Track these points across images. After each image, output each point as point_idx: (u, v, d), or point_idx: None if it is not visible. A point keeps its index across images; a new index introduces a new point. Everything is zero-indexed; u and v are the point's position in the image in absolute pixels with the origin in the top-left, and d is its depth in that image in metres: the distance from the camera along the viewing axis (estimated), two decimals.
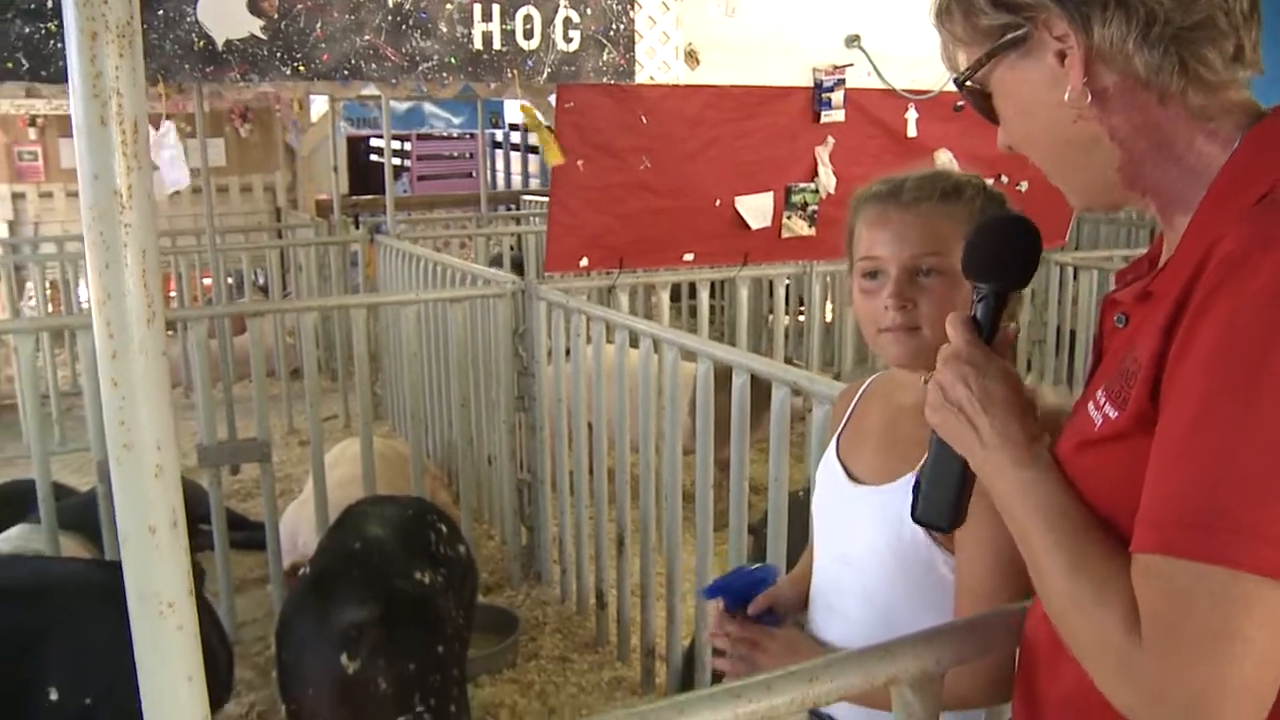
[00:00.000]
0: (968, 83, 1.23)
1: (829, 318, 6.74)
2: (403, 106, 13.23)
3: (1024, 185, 4.81)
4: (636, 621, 4.12)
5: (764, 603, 1.82)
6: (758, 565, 1.93)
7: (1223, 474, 0.95)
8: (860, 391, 1.86)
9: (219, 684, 3.06)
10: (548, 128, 4.23)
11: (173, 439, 0.91)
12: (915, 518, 1.34)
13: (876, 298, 1.63)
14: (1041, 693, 1.29)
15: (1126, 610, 1.03)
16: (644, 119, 4.33)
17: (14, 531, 4.20)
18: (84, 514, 4.27)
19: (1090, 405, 1.15)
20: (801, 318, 6.90)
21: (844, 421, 1.84)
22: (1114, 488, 1.08)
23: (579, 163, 4.31)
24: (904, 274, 1.60)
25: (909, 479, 1.57)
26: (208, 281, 7.87)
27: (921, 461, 1.33)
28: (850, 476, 1.74)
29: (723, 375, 3.36)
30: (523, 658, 4.28)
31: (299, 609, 3.06)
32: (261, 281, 10.04)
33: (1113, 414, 1.09)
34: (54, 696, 2.73)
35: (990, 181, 1.71)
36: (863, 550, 1.67)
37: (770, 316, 7.27)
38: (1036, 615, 1.31)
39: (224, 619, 4.43)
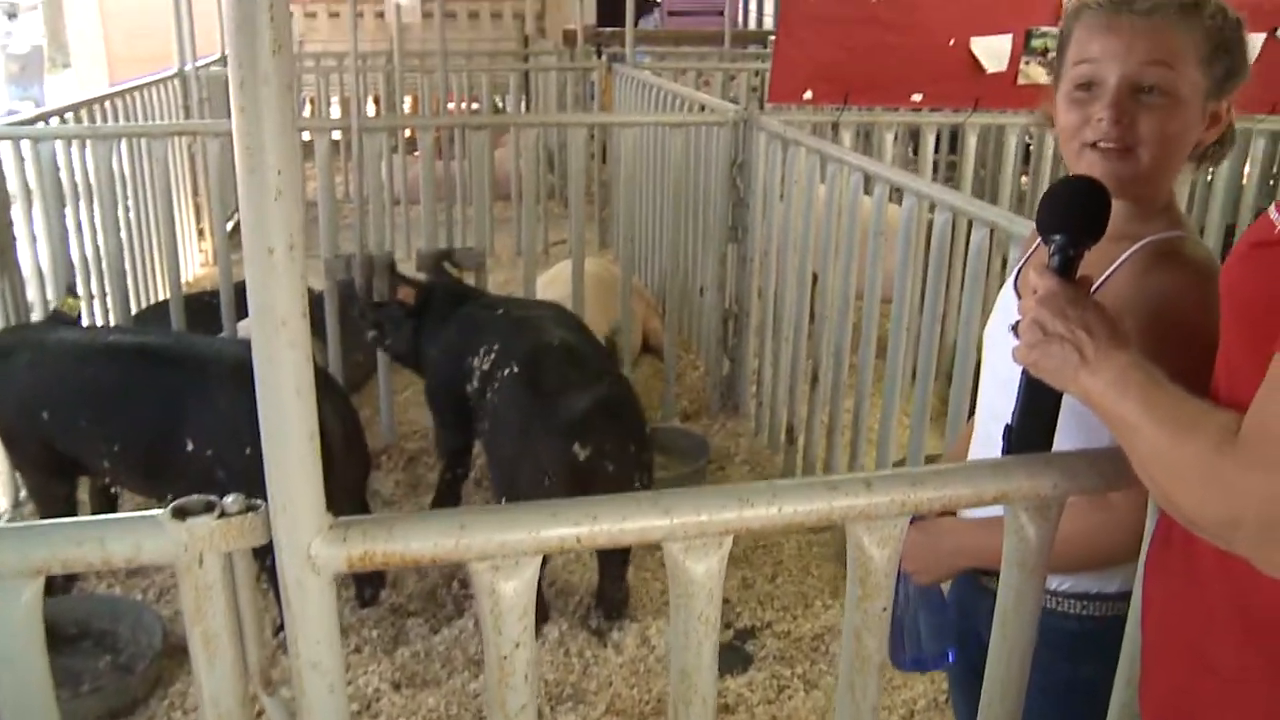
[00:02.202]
0: None
1: None
2: None
3: None
4: (822, 460, 4.15)
5: None
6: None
7: None
8: None
9: (350, 460, 3.36)
10: None
11: (295, 166, 0.97)
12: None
13: (1087, 109, 1.53)
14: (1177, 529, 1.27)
15: (1219, 433, 1.07)
16: None
17: (249, 320, 4.53)
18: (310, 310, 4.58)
19: (1273, 209, 1.14)
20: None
21: (1030, 251, 1.80)
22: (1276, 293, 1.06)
23: None
24: (1126, 85, 1.49)
25: None
26: (451, 106, 8.10)
27: (1013, 415, 1.42)
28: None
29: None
30: (710, 484, 4.37)
31: (515, 404, 3.21)
32: (504, 108, 10.24)
33: None
34: (189, 447, 3.09)
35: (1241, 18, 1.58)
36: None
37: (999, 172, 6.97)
38: None
39: None
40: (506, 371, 3.30)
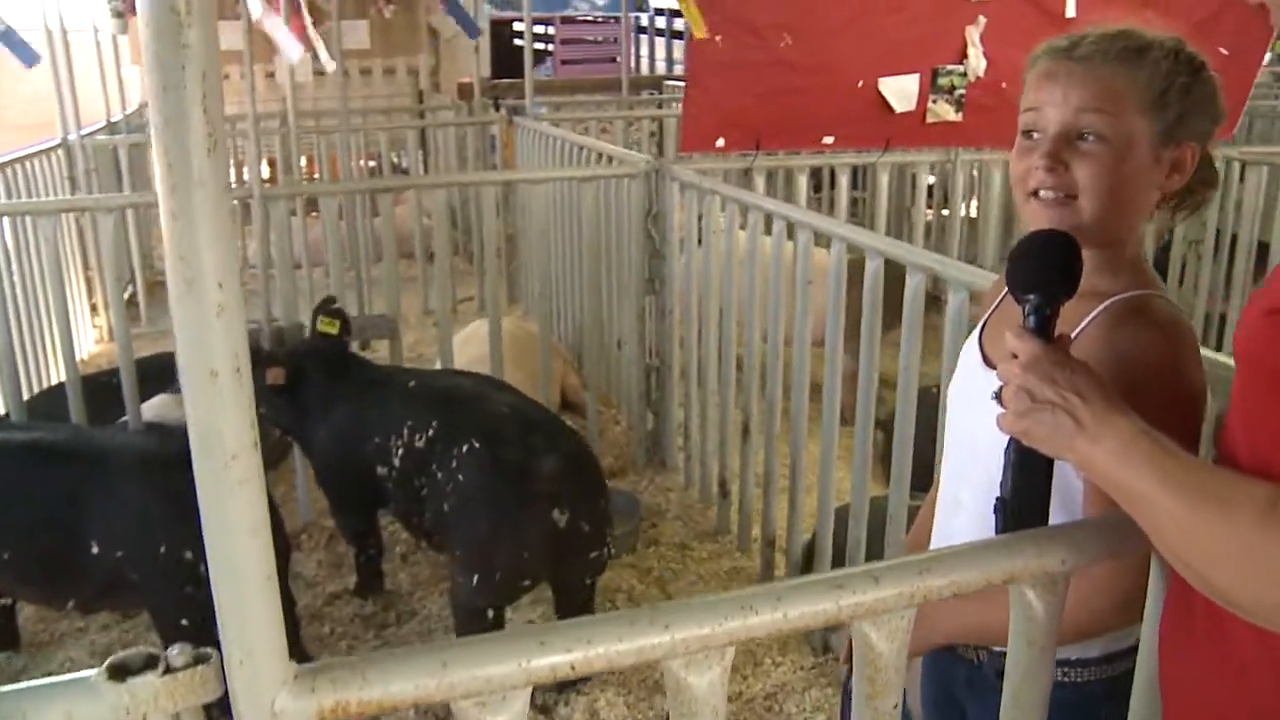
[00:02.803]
0: None
1: (973, 213, 6.46)
2: None
3: None
4: (759, 512, 4.07)
5: None
6: None
7: None
8: None
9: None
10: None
11: (236, 276, 0.85)
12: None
13: (1029, 157, 1.50)
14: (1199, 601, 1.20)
15: (1257, 508, 1.01)
16: None
17: (155, 401, 4.32)
18: None
19: None
20: (945, 212, 6.63)
21: (992, 309, 1.73)
22: None
23: (717, 38, 4.15)
24: (1063, 133, 1.47)
25: None
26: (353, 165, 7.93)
27: (1002, 486, 1.37)
28: (987, 362, 1.64)
29: (860, 266, 3.26)
30: (643, 544, 4.27)
31: (485, 480, 3.09)
32: (403, 165, 10.10)
33: None
34: (94, 550, 2.88)
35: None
36: (991, 438, 1.57)
37: (911, 208, 7.03)
38: None
39: None
40: (465, 448, 3.15)
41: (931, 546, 1.78)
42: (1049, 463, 1.31)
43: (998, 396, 1.32)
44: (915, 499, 3.19)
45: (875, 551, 3.24)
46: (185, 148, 0.81)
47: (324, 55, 5.34)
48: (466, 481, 3.10)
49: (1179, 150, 1.50)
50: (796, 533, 3.77)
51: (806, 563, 3.67)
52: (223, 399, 0.85)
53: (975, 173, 6.18)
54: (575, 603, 3.38)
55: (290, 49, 4.84)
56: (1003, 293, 1.74)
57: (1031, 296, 1.33)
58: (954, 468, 1.71)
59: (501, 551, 3.05)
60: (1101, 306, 1.49)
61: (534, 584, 3.21)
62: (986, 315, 1.74)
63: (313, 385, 3.66)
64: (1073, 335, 1.49)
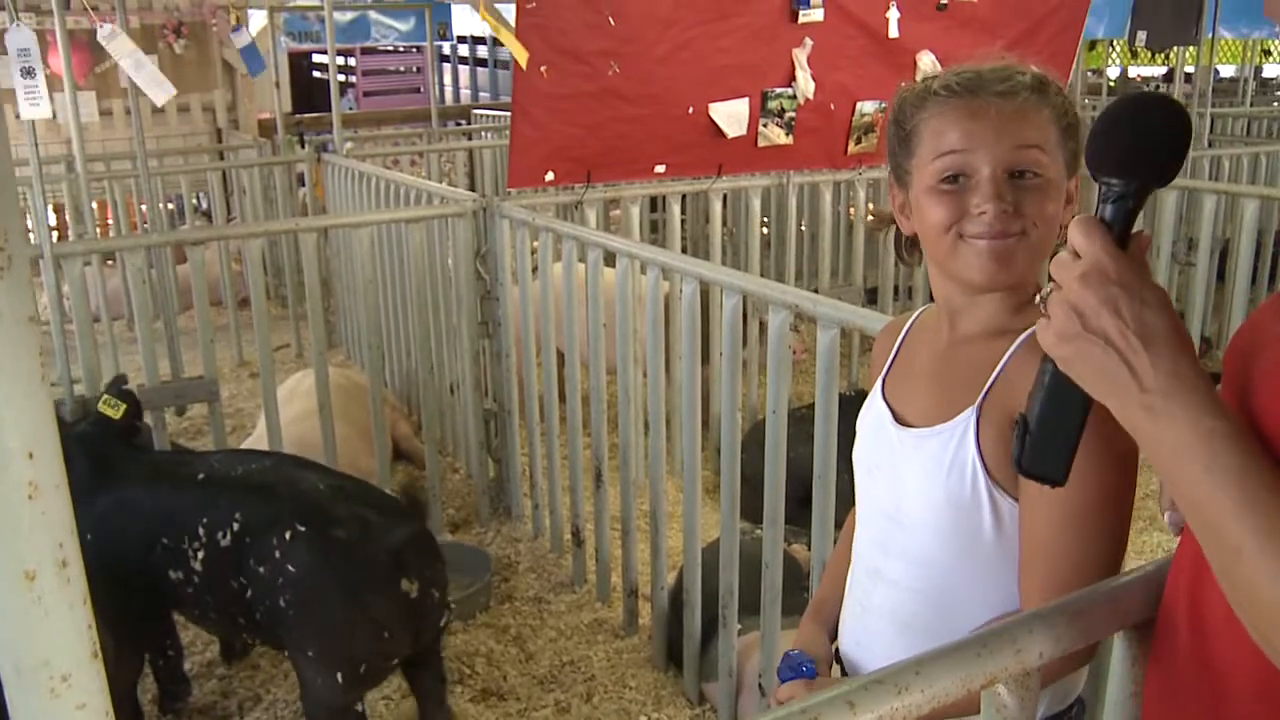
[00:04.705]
0: None
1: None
2: (346, 17, 12.68)
3: None
4: (617, 559, 3.89)
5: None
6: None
7: None
8: (906, 327, 1.62)
9: None
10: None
11: (53, 440, 0.63)
12: (1024, 469, 1.08)
13: (959, 200, 1.38)
14: (1182, 663, 1.09)
15: None
16: (612, 20, 3.99)
17: None
18: None
19: None
20: (765, 230, 6.59)
21: (889, 362, 1.60)
22: None
23: (542, 69, 3.98)
24: (1002, 172, 1.37)
25: (968, 415, 1.37)
26: (147, 208, 7.44)
27: (1030, 399, 1.08)
28: (899, 421, 1.50)
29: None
30: (496, 600, 4.04)
31: (324, 565, 2.83)
32: (204, 207, 9.60)
33: None
34: None
35: None
36: (915, 504, 1.46)
37: (734, 230, 6.98)
38: (1176, 583, 1.13)
39: None
40: (287, 535, 2.83)
41: (848, 616, 1.65)
42: (1086, 399, 1.02)
43: (1043, 301, 1.03)
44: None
45: (748, 596, 3.11)
46: None
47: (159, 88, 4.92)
48: (300, 571, 2.79)
49: (1072, 182, 1.45)
50: (660, 578, 3.60)
51: (673, 611, 3.50)
52: (44, 608, 0.62)
53: (804, 191, 6.18)
54: (429, 674, 3.15)
55: (156, 90, 4.52)
56: (899, 339, 1.62)
57: (1116, 182, 1.01)
58: (871, 535, 1.58)
59: (361, 637, 2.79)
60: (1019, 341, 1.40)
61: (398, 665, 2.96)
62: (886, 368, 1.61)
63: (74, 474, 3.23)
64: (991, 377, 1.39)
